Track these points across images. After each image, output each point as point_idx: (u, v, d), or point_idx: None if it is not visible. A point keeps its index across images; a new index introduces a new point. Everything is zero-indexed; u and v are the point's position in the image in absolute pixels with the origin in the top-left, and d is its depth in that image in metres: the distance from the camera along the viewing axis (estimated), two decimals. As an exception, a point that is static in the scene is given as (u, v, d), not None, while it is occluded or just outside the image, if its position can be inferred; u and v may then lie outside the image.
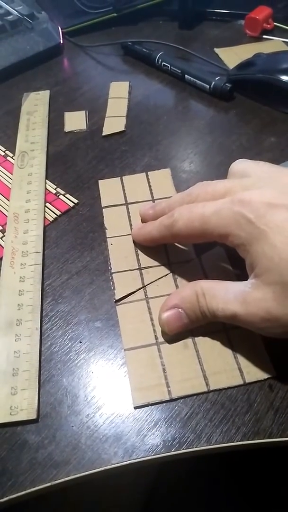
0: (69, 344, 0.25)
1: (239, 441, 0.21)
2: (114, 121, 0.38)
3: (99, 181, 0.33)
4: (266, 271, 0.20)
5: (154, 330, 0.25)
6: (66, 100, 0.41)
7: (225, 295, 0.22)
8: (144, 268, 0.28)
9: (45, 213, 0.31)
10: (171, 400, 0.22)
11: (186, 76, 0.41)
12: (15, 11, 0.47)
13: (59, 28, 0.49)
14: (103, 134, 0.37)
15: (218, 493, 0.32)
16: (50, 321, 0.26)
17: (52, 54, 0.47)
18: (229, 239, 0.22)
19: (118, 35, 0.49)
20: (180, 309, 0.23)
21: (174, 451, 0.21)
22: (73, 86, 0.43)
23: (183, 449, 0.21)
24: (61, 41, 0.48)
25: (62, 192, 0.32)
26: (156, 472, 0.27)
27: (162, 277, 0.27)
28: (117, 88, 0.42)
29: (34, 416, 0.22)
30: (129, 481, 0.30)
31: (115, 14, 0.50)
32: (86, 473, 0.20)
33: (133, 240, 0.29)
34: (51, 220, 0.31)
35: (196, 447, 0.21)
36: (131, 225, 0.30)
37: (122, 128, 0.37)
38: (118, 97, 0.41)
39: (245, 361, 0.23)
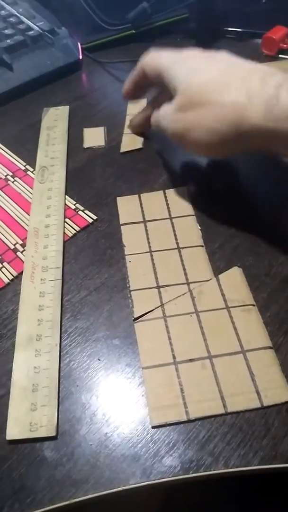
0: (88, 361, 0.25)
1: (257, 465, 0.21)
2: (132, 138, 0.39)
3: (117, 198, 0.34)
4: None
5: (172, 349, 0.25)
6: (85, 115, 0.42)
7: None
8: (162, 286, 0.28)
9: (65, 228, 0.32)
10: (189, 421, 0.22)
11: (203, 94, 0.42)
12: (36, 27, 0.48)
13: (79, 44, 0.50)
14: (121, 151, 0.38)
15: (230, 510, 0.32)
16: (69, 337, 0.26)
17: (72, 70, 0.48)
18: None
19: (136, 51, 0.50)
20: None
21: (192, 473, 0.21)
22: (92, 102, 0.44)
23: (200, 472, 0.21)
24: (81, 57, 0.49)
25: (81, 207, 0.33)
26: (169, 489, 0.27)
27: (180, 296, 0.27)
28: (135, 106, 0.43)
29: (53, 433, 0.22)
30: (142, 498, 0.30)
31: (133, 31, 0.51)
32: (105, 492, 0.21)
33: (151, 259, 0.29)
34: (70, 236, 0.31)
35: (213, 470, 0.21)
36: (149, 243, 0.30)
37: (140, 146, 0.38)
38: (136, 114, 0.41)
39: (263, 384, 0.23)
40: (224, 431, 0.22)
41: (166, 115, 0.30)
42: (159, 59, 0.32)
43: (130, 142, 0.39)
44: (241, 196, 0.33)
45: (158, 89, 0.36)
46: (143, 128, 0.38)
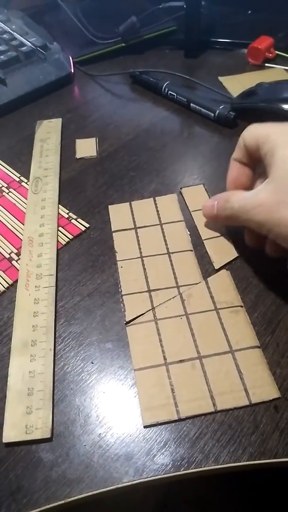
0: (81, 364, 0.26)
1: (246, 461, 0.22)
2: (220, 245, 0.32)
3: (109, 206, 0.35)
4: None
5: (163, 351, 0.26)
6: (77, 127, 0.43)
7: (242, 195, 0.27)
8: (153, 290, 0.29)
9: (58, 236, 0.32)
10: (180, 420, 0.23)
11: (191, 104, 0.43)
12: (29, 43, 0.50)
13: (70, 58, 0.51)
14: (216, 267, 0.30)
15: (227, 509, 0.33)
16: (63, 342, 0.27)
17: (64, 83, 0.49)
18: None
19: (126, 64, 0.52)
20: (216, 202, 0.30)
21: (183, 470, 0.22)
22: (84, 113, 0.45)
23: (191, 469, 0.22)
24: (72, 70, 0.50)
25: (74, 216, 0.34)
26: (166, 489, 0.27)
27: (170, 299, 0.28)
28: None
29: (48, 435, 0.23)
30: (139, 498, 0.30)
31: (123, 44, 0.53)
32: (99, 491, 0.21)
33: (142, 264, 0.30)
34: (63, 244, 0.32)
35: (204, 467, 0.22)
36: (140, 248, 0.31)
37: (235, 254, 0.31)
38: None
39: (251, 382, 0.24)
40: (214, 428, 0.23)
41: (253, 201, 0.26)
42: (261, 127, 0.27)
43: (223, 253, 0.31)
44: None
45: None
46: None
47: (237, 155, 0.30)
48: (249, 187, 0.30)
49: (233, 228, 0.32)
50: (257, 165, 0.30)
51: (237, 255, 0.30)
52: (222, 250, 0.31)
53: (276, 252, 0.27)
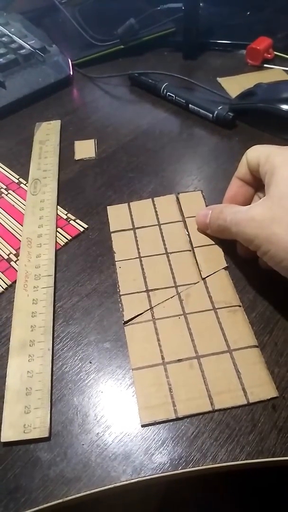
0: (80, 364, 0.26)
1: (244, 460, 0.22)
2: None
3: (107, 207, 0.35)
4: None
5: (160, 350, 0.26)
6: (76, 129, 0.43)
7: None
8: (151, 290, 0.29)
9: (57, 237, 0.33)
10: (178, 419, 0.23)
11: (190, 105, 0.43)
12: (28, 45, 0.50)
13: (69, 60, 0.51)
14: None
15: (225, 509, 0.33)
16: (61, 342, 0.27)
17: (63, 85, 0.50)
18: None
19: (125, 66, 0.52)
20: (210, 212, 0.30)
21: (180, 469, 0.22)
22: (83, 115, 0.45)
23: (189, 468, 0.22)
24: (71, 73, 0.50)
25: (73, 217, 0.34)
26: (165, 489, 0.27)
27: (169, 299, 0.28)
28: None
29: (46, 434, 0.23)
30: (138, 499, 0.30)
31: (122, 46, 0.53)
32: (96, 490, 0.21)
33: (140, 264, 0.30)
34: (62, 244, 0.32)
35: (202, 466, 0.22)
36: (138, 249, 0.31)
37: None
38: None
39: (249, 382, 0.24)
40: (211, 427, 0.23)
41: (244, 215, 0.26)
42: (263, 147, 0.28)
43: (212, 262, 0.30)
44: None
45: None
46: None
47: (239, 173, 0.30)
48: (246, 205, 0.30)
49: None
50: (259, 185, 0.29)
51: (227, 265, 0.30)
52: (211, 259, 0.30)
53: (269, 266, 0.26)
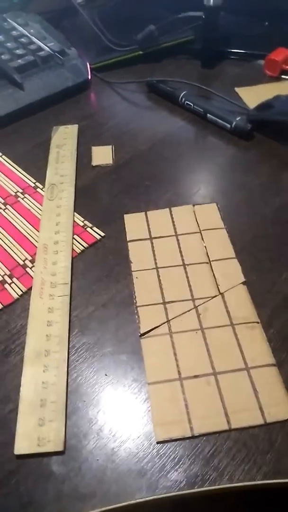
0: (95, 376, 0.26)
1: (260, 480, 0.22)
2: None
3: (124, 215, 0.35)
4: None
5: (177, 365, 0.26)
6: (93, 134, 0.43)
7: None
8: (168, 302, 0.29)
9: (73, 244, 0.32)
10: (194, 437, 0.23)
11: (208, 115, 0.43)
12: (46, 47, 0.50)
13: (88, 64, 0.51)
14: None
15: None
16: (76, 352, 0.27)
17: (80, 89, 0.49)
18: None
19: (143, 72, 0.52)
20: None
21: (197, 488, 0.21)
22: (100, 120, 0.45)
23: (205, 487, 0.21)
24: (89, 77, 0.50)
25: (90, 224, 0.34)
26: (181, 506, 0.27)
27: (186, 312, 0.28)
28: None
29: (61, 448, 0.22)
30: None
31: (140, 52, 0.53)
32: (112, 506, 0.21)
33: (157, 275, 0.30)
34: (78, 252, 0.32)
35: (218, 485, 0.21)
36: (155, 259, 0.31)
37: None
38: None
39: (266, 401, 0.24)
40: (228, 446, 0.23)
41: None
42: None
43: (230, 277, 0.30)
44: (247, 214, 0.34)
45: None
46: None
47: None
48: None
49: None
50: None
51: (244, 279, 0.29)
52: (229, 273, 0.30)
53: None
